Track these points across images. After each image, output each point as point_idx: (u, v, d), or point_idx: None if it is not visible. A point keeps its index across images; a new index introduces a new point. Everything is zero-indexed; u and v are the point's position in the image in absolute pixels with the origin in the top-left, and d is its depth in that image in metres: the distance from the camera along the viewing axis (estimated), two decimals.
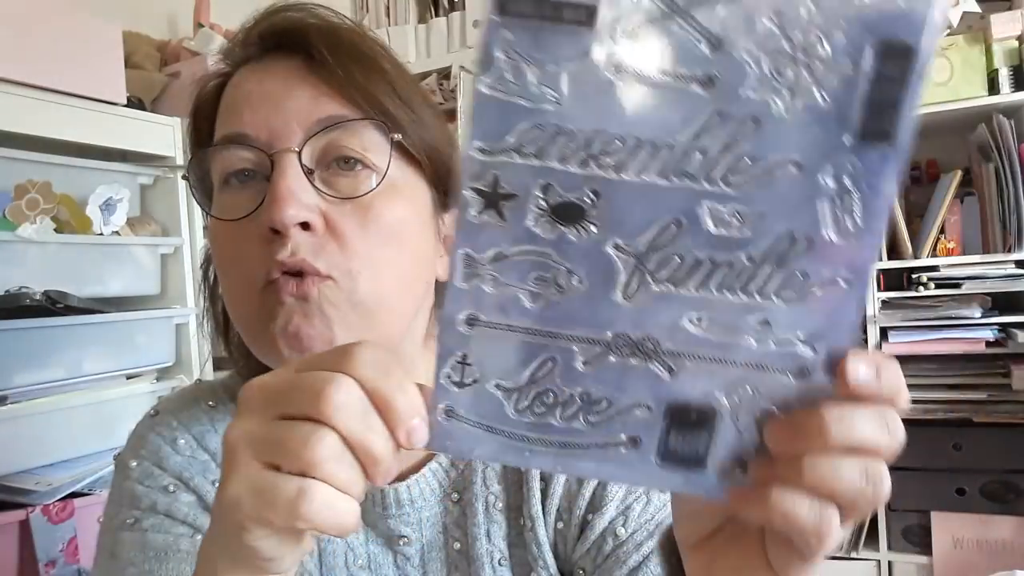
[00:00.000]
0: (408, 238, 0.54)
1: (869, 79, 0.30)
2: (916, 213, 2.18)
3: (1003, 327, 1.99)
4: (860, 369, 0.32)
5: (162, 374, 1.62)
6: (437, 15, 2.39)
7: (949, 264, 2.04)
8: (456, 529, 0.60)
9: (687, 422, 0.34)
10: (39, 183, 1.35)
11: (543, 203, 0.32)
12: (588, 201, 0.32)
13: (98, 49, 1.48)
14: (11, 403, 1.30)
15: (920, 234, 2.10)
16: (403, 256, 0.53)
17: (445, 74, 2.30)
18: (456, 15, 2.33)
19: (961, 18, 2.01)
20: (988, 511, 1.97)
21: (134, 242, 1.56)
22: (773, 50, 0.30)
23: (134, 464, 0.61)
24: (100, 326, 1.44)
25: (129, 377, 1.55)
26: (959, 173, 2.09)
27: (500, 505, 0.60)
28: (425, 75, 2.29)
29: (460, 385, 0.35)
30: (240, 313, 0.54)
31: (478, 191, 0.32)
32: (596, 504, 0.58)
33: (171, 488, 0.58)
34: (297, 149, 0.50)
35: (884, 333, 2.08)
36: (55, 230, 1.37)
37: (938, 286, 2.02)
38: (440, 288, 0.57)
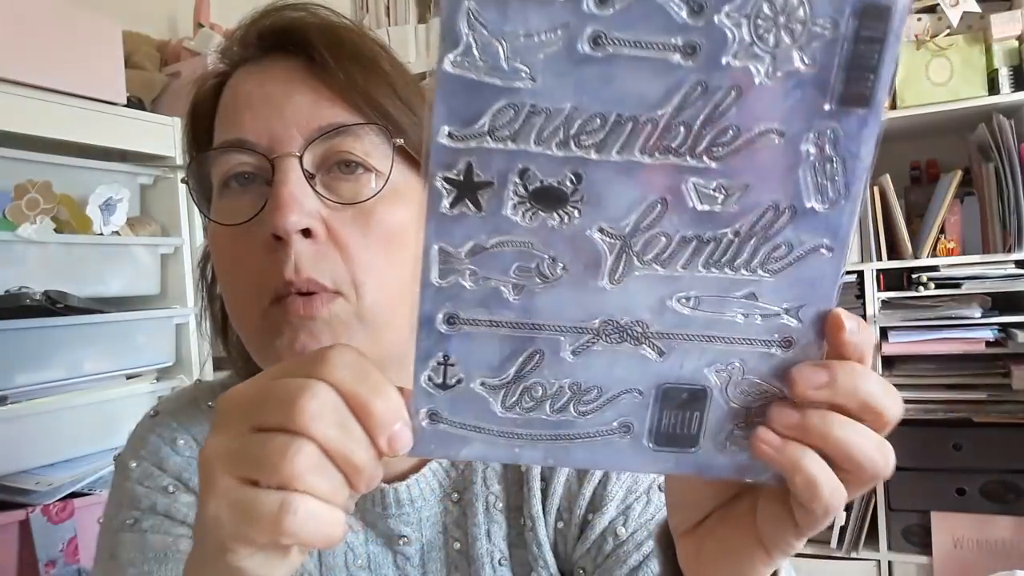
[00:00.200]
0: (411, 242, 0.53)
1: (849, 41, 0.29)
2: (916, 213, 2.18)
3: (1003, 327, 1.99)
4: (850, 324, 0.33)
5: (162, 374, 1.62)
6: (437, 15, 2.39)
7: (949, 264, 2.04)
8: (456, 529, 0.60)
9: (678, 402, 0.34)
10: (39, 183, 1.34)
11: (521, 189, 0.31)
12: (569, 184, 0.31)
13: (98, 49, 1.47)
14: (11, 403, 1.30)
15: (920, 234, 2.10)
16: (407, 261, 0.53)
17: None
18: None
19: (961, 18, 2.01)
20: (988, 511, 1.97)
21: (134, 242, 1.56)
22: (754, 14, 0.29)
23: (134, 465, 0.61)
24: (100, 326, 1.44)
25: (129, 377, 1.55)
26: (959, 173, 2.09)
27: (500, 505, 0.60)
28: (425, 75, 2.29)
29: (443, 387, 0.33)
30: (244, 324, 0.54)
31: (450, 180, 0.30)
32: (596, 504, 0.58)
33: (171, 489, 0.59)
34: (298, 154, 0.49)
35: (884, 333, 2.08)
36: (55, 230, 1.37)
37: (938, 286, 2.02)
38: None
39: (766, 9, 0.29)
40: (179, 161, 1.65)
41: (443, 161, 0.30)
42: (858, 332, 0.33)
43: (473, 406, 0.34)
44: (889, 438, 0.34)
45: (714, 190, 0.31)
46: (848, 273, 2.10)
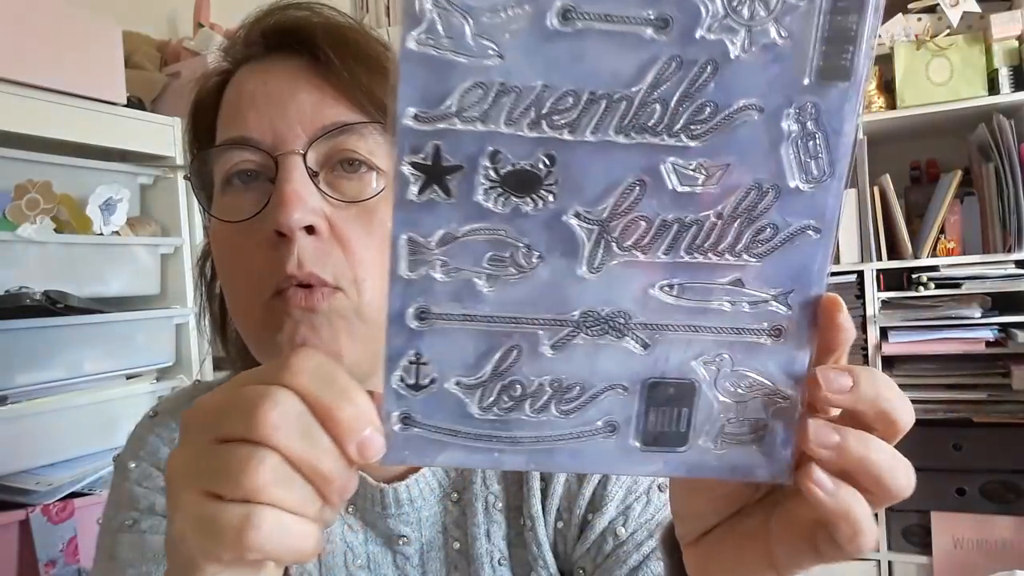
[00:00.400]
0: None
1: (825, 13, 0.28)
2: (916, 213, 2.18)
3: (1003, 327, 1.99)
4: (838, 314, 0.32)
5: (162, 374, 1.62)
6: None
7: (949, 264, 2.04)
8: (456, 529, 0.60)
9: (665, 399, 0.32)
10: (39, 183, 1.34)
11: (493, 173, 0.29)
12: (542, 167, 0.29)
13: (98, 49, 1.47)
14: (11, 403, 1.30)
15: (920, 234, 2.10)
16: None
17: None
18: None
19: (961, 18, 2.01)
20: (988, 511, 1.97)
21: (134, 242, 1.56)
22: None
23: (133, 465, 0.61)
24: (100, 326, 1.44)
25: (129, 377, 1.55)
26: (959, 173, 2.10)
27: (500, 505, 0.60)
28: None
29: (416, 388, 0.31)
30: (244, 320, 0.54)
31: (417, 165, 0.29)
32: (596, 504, 0.58)
33: None
34: (302, 152, 0.49)
35: (884, 333, 2.09)
36: (55, 230, 1.37)
37: (938, 286, 2.02)
38: None
39: None
40: (179, 161, 1.65)
41: (410, 145, 0.29)
42: (848, 319, 0.32)
43: (448, 408, 0.32)
44: None
45: (694, 170, 0.30)
46: (848, 273, 2.10)
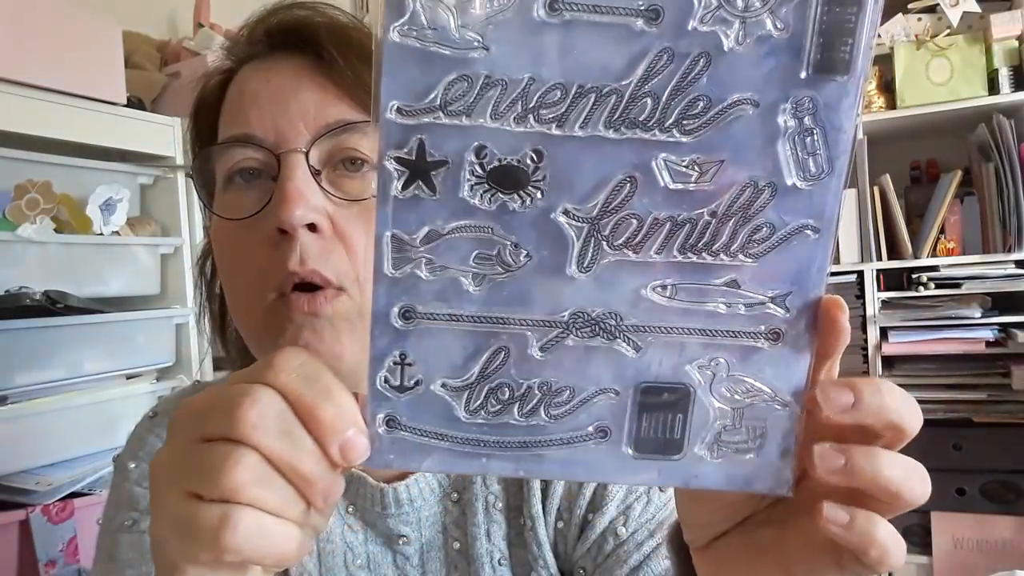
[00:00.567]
0: None
1: (822, 4, 0.28)
2: (916, 213, 2.18)
3: (1003, 327, 1.99)
4: (841, 316, 0.31)
5: (162, 374, 1.62)
6: None
7: (949, 264, 2.04)
8: (456, 529, 0.60)
9: (658, 404, 0.31)
10: (39, 183, 1.34)
11: (479, 169, 0.28)
12: (530, 163, 0.28)
13: (98, 49, 1.47)
14: (11, 403, 1.30)
15: (920, 234, 2.10)
16: None
17: None
18: None
19: (961, 18, 2.01)
20: (988, 511, 1.97)
21: (134, 242, 1.56)
22: None
23: (132, 466, 0.61)
24: (100, 326, 1.44)
25: (129, 377, 1.55)
26: (959, 173, 2.10)
27: (500, 505, 0.60)
28: None
29: (401, 389, 0.31)
30: (245, 320, 0.54)
31: (401, 160, 0.28)
32: (597, 503, 0.58)
33: None
34: (304, 150, 0.49)
35: (884, 333, 2.09)
36: (55, 230, 1.37)
37: (938, 286, 2.02)
38: None
39: None
40: (179, 161, 1.65)
41: (393, 139, 0.28)
42: (848, 321, 0.31)
43: (434, 410, 0.31)
44: None
45: (686, 167, 0.29)
46: (848, 273, 2.10)
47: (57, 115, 1.41)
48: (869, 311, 2.08)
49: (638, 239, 0.30)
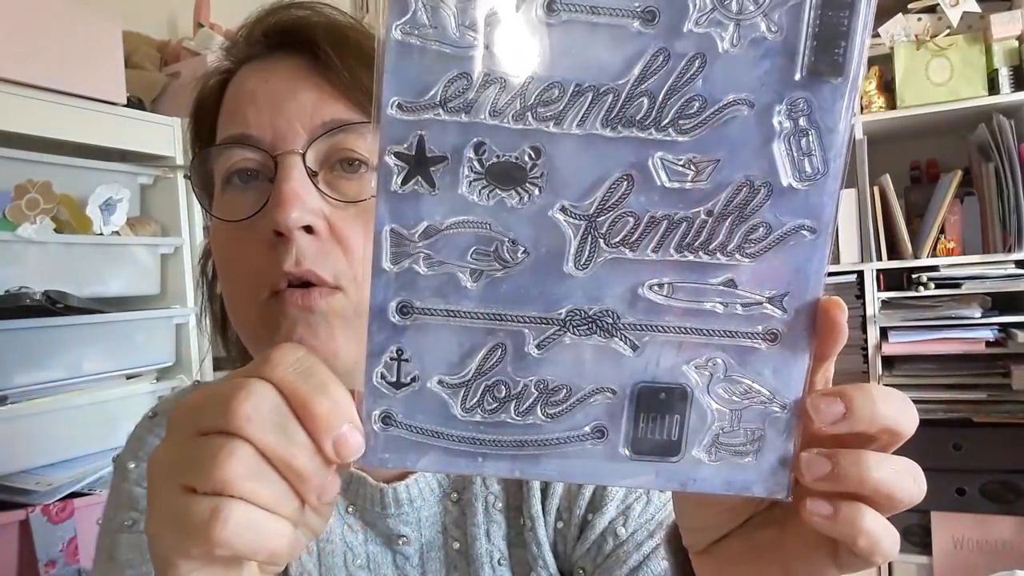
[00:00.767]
0: None
1: (816, 7, 0.28)
2: (916, 213, 2.18)
3: (1003, 327, 1.99)
4: (839, 319, 0.31)
5: (162, 374, 1.62)
6: None
7: (949, 264, 2.05)
8: (455, 529, 0.60)
9: (656, 404, 0.31)
10: (39, 183, 1.35)
11: (477, 165, 0.29)
12: (528, 160, 0.29)
13: (98, 49, 1.47)
14: (11, 403, 1.30)
15: (920, 234, 2.10)
16: None
17: None
18: None
19: (961, 18, 2.01)
20: (988, 511, 1.97)
21: (134, 242, 1.56)
22: None
23: (132, 466, 0.61)
24: (100, 326, 1.44)
25: (129, 377, 1.55)
26: (959, 173, 2.10)
27: (500, 505, 0.60)
28: None
29: (397, 386, 0.30)
30: (242, 320, 0.54)
31: (401, 156, 0.28)
32: (596, 504, 0.58)
33: None
34: (301, 151, 0.49)
35: (884, 333, 2.09)
36: (55, 230, 1.37)
37: (938, 286, 2.02)
38: None
39: None
40: (179, 161, 1.65)
41: (393, 135, 0.28)
42: (846, 321, 0.31)
43: (430, 408, 0.31)
44: None
45: (683, 165, 0.29)
46: (848, 273, 2.10)
47: (57, 115, 1.41)
48: (869, 311, 2.08)
49: (635, 237, 0.30)
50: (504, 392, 0.31)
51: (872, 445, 0.32)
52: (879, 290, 2.08)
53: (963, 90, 2.05)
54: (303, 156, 0.49)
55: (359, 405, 0.31)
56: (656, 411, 0.31)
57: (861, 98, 2.11)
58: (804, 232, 0.30)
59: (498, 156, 0.29)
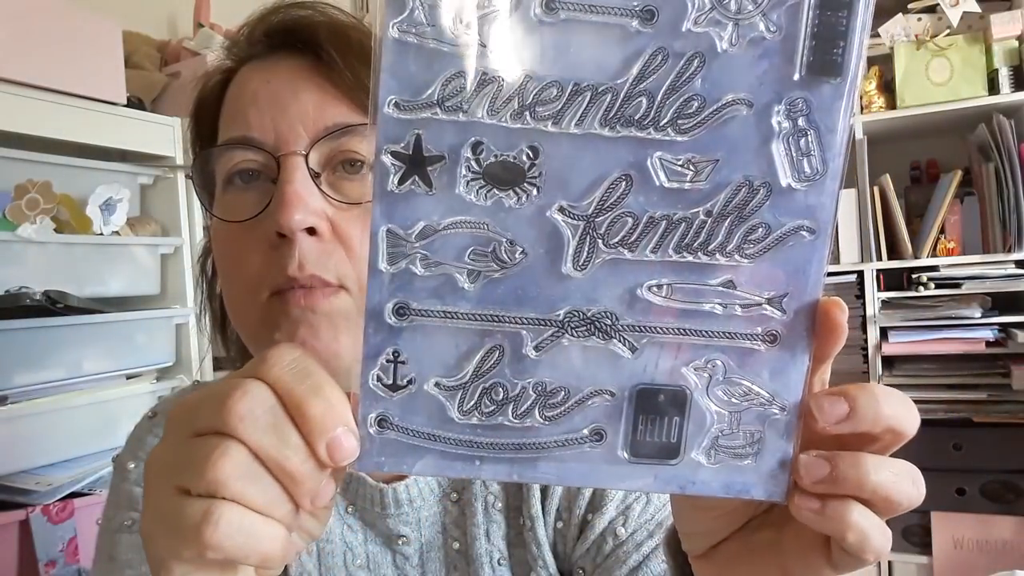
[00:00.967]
0: None
1: (814, 7, 0.28)
2: (916, 213, 2.18)
3: (1003, 327, 1.99)
4: (840, 319, 0.31)
5: (162, 374, 1.62)
6: None
7: (949, 264, 2.05)
8: (455, 529, 0.60)
9: (655, 406, 0.31)
10: (39, 183, 1.35)
11: (475, 164, 0.28)
12: (526, 159, 0.28)
13: (98, 49, 1.47)
14: (11, 403, 1.30)
15: (920, 234, 2.10)
16: None
17: None
18: None
19: (961, 18, 2.01)
20: (988, 511, 1.97)
21: (134, 242, 1.56)
22: None
23: (132, 466, 0.61)
24: (100, 326, 1.44)
25: (129, 377, 1.55)
26: (959, 173, 2.10)
27: (499, 505, 0.60)
28: None
29: (393, 388, 0.30)
30: (243, 321, 0.53)
31: (398, 155, 0.28)
32: (596, 504, 0.58)
33: None
34: (304, 153, 0.49)
35: (884, 333, 2.09)
36: (55, 230, 1.37)
37: (938, 286, 2.02)
38: None
39: None
40: (179, 161, 1.65)
41: (390, 134, 0.28)
42: (846, 322, 0.31)
43: (427, 411, 0.30)
44: None
45: (682, 165, 0.29)
46: (848, 273, 2.10)
47: (57, 115, 1.41)
48: (869, 311, 2.08)
49: (633, 237, 0.30)
50: (502, 394, 0.31)
51: (874, 445, 0.32)
52: (879, 290, 2.08)
53: (963, 90, 2.04)
54: (306, 157, 0.49)
55: (355, 408, 0.30)
56: (655, 413, 0.31)
57: (861, 98, 2.11)
58: (803, 232, 0.30)
59: (496, 156, 0.29)
